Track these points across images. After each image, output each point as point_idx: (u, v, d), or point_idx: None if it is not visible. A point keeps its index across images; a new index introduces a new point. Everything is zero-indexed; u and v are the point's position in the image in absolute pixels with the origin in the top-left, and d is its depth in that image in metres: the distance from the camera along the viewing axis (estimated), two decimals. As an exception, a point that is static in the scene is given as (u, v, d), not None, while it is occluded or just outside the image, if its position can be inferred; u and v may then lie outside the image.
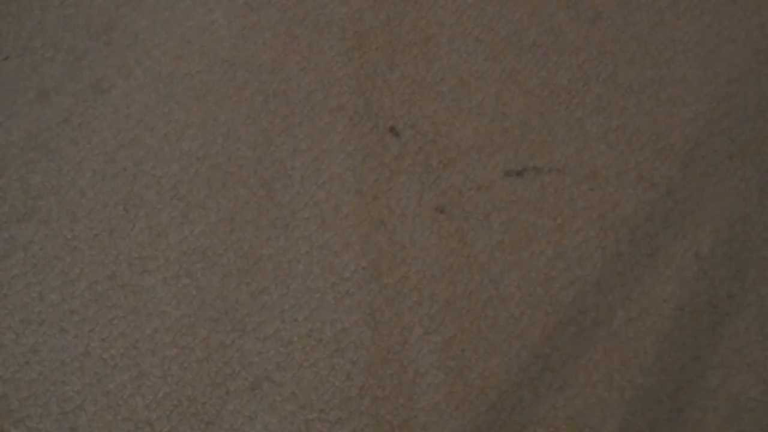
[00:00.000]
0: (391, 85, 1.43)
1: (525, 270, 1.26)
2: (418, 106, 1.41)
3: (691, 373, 1.18)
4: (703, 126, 1.37)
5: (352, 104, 1.41)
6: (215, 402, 1.18)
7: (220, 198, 1.33)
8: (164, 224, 1.31)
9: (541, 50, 1.45)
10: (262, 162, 1.36)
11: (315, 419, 1.17)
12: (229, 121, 1.40)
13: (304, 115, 1.40)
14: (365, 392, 1.19)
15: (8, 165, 1.37)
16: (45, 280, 1.27)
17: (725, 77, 1.41)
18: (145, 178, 1.35)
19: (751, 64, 1.42)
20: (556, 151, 1.36)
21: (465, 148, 1.37)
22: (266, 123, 1.40)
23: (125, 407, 1.18)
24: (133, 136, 1.39)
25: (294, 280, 1.26)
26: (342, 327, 1.23)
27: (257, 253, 1.29)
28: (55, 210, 1.33)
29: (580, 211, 1.31)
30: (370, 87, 1.43)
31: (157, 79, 1.44)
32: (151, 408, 1.18)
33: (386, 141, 1.38)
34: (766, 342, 1.20)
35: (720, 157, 1.34)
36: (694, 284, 1.24)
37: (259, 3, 1.51)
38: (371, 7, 1.50)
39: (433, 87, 1.42)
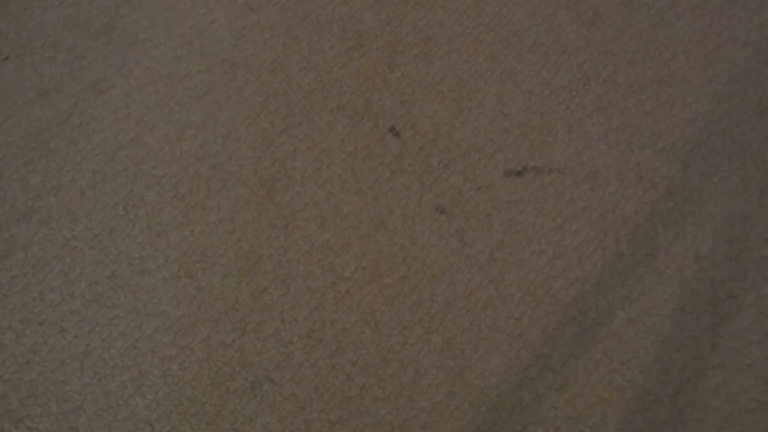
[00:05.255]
0: (391, 85, 1.43)
1: (525, 270, 1.26)
2: (418, 106, 1.41)
3: (691, 373, 1.18)
4: (703, 126, 1.37)
5: (352, 104, 1.41)
6: (215, 402, 1.18)
7: (220, 198, 1.33)
8: (164, 224, 1.31)
9: (541, 50, 1.45)
10: (262, 162, 1.36)
11: (315, 419, 1.17)
12: (229, 121, 1.40)
13: (304, 115, 1.40)
14: (365, 392, 1.19)
15: (8, 165, 1.37)
16: (45, 280, 1.27)
17: (725, 77, 1.41)
18: (145, 178, 1.35)
19: (751, 64, 1.42)
20: (556, 151, 1.36)
21: (465, 148, 1.37)
22: (266, 123, 1.40)
23: (125, 407, 1.18)
24: (133, 136, 1.39)
25: (294, 280, 1.26)
26: (342, 327, 1.23)
27: (257, 253, 1.29)
28: (55, 210, 1.33)
29: (580, 211, 1.31)
30: (370, 87, 1.43)
31: (157, 79, 1.44)
32: (151, 408, 1.18)
33: (386, 141, 1.38)
34: (766, 342, 1.20)
35: (720, 157, 1.34)
36: (694, 284, 1.24)
37: (259, 3, 1.51)
38: (371, 7, 1.50)
39: (433, 87, 1.42)
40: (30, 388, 1.20)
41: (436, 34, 1.48)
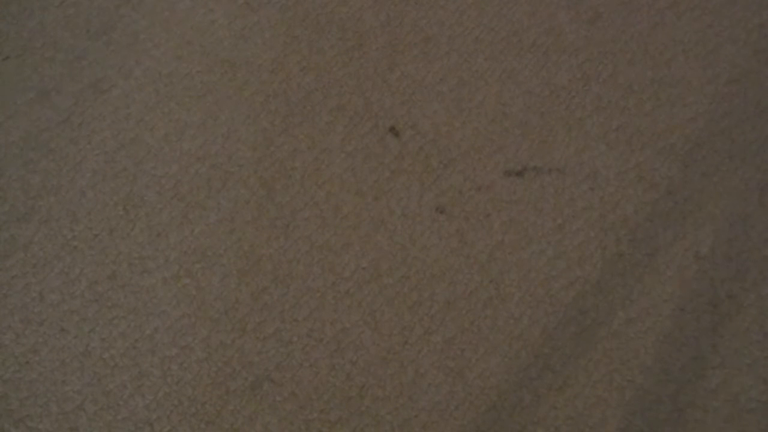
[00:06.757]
0: (391, 85, 1.43)
1: (525, 270, 1.26)
2: (418, 106, 1.40)
3: (691, 373, 1.18)
4: (703, 126, 1.37)
5: (352, 104, 1.41)
6: (215, 402, 1.18)
7: (220, 198, 1.33)
8: (164, 224, 1.31)
9: (541, 50, 1.45)
10: (262, 162, 1.36)
11: (315, 419, 1.17)
12: (229, 121, 1.40)
13: (304, 115, 1.40)
14: (365, 392, 1.19)
15: (8, 165, 1.37)
16: (45, 280, 1.27)
17: (725, 77, 1.41)
18: (145, 178, 1.35)
19: (751, 64, 1.42)
20: (556, 151, 1.36)
21: (465, 148, 1.37)
22: (266, 123, 1.40)
23: (125, 407, 1.18)
24: (133, 136, 1.39)
25: (294, 280, 1.26)
26: (342, 327, 1.23)
27: (257, 253, 1.29)
28: (55, 210, 1.33)
29: (580, 211, 1.31)
30: (370, 87, 1.43)
31: (157, 79, 1.44)
32: (151, 408, 1.18)
33: (386, 141, 1.38)
34: (766, 342, 1.20)
35: (720, 157, 1.34)
36: (694, 284, 1.24)
37: (259, 3, 1.51)
38: (371, 7, 1.50)
39: (433, 87, 1.42)
40: (30, 388, 1.20)
41: (436, 34, 1.48)
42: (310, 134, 1.38)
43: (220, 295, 1.26)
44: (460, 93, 1.42)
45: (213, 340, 1.22)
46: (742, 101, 1.39)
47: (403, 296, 1.25)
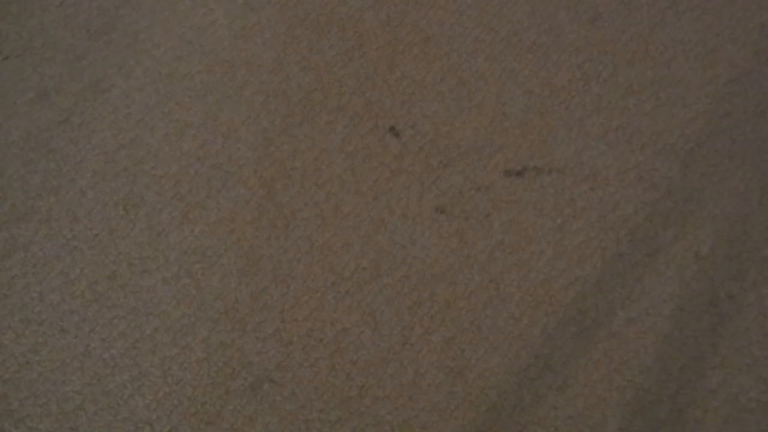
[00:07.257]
0: (391, 85, 1.43)
1: (525, 270, 1.26)
2: (418, 106, 1.41)
3: (691, 373, 1.18)
4: (703, 126, 1.37)
5: (352, 104, 1.41)
6: (215, 402, 1.18)
7: (220, 198, 1.33)
8: (164, 224, 1.31)
9: (541, 50, 1.45)
10: (262, 162, 1.36)
11: (315, 419, 1.17)
12: (229, 121, 1.40)
13: (304, 115, 1.40)
14: (365, 392, 1.19)
15: (8, 165, 1.37)
16: (45, 280, 1.27)
17: (725, 77, 1.41)
18: (145, 178, 1.35)
19: (751, 64, 1.42)
20: (556, 151, 1.36)
21: (465, 148, 1.37)
22: (266, 123, 1.40)
23: (125, 407, 1.18)
24: (133, 136, 1.39)
25: (294, 280, 1.26)
26: (342, 327, 1.23)
27: (257, 253, 1.29)
28: (55, 210, 1.33)
29: (580, 211, 1.31)
30: (370, 87, 1.43)
31: (157, 79, 1.44)
32: (151, 408, 1.18)
33: (386, 141, 1.38)
34: (766, 342, 1.20)
35: (720, 157, 1.34)
36: (694, 284, 1.24)
37: (259, 3, 1.51)
38: (371, 7, 1.50)
39: (433, 87, 1.42)
40: (30, 388, 1.20)
41: (436, 34, 1.48)
42: (310, 134, 1.38)
43: (220, 295, 1.26)
44: (460, 93, 1.42)
45: (213, 340, 1.22)
46: (742, 101, 1.39)
47: (403, 296, 1.25)
